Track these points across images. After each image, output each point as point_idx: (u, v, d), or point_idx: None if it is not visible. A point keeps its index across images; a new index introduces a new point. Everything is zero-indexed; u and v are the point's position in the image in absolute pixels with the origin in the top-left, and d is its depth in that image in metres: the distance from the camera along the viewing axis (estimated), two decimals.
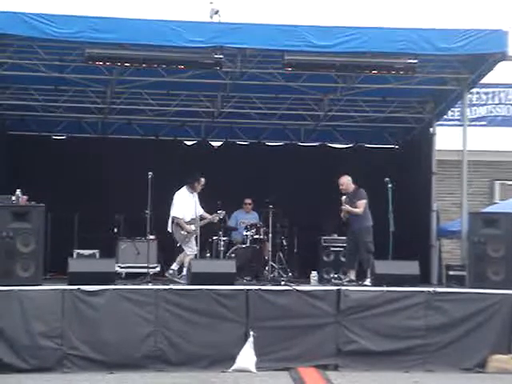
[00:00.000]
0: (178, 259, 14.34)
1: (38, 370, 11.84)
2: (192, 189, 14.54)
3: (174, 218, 14.35)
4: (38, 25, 13.07)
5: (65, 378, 11.70)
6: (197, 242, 14.53)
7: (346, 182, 14.50)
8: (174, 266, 14.27)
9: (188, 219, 14.40)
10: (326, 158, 17.91)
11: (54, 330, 12.02)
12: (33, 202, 12.83)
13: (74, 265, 13.01)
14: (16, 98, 16.17)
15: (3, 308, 11.92)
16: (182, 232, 14.33)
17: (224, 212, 14.85)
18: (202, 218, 14.66)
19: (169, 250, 14.90)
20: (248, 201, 16.57)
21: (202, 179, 14.63)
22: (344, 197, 14.37)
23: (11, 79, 15.34)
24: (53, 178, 16.68)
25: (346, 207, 14.24)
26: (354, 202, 14.28)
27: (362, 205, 14.24)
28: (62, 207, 15.79)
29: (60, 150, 17.38)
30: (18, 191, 12.82)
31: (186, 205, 14.42)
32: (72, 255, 15.45)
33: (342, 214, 14.39)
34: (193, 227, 14.38)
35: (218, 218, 14.81)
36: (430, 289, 13.27)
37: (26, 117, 17.16)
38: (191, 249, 14.42)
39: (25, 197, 12.85)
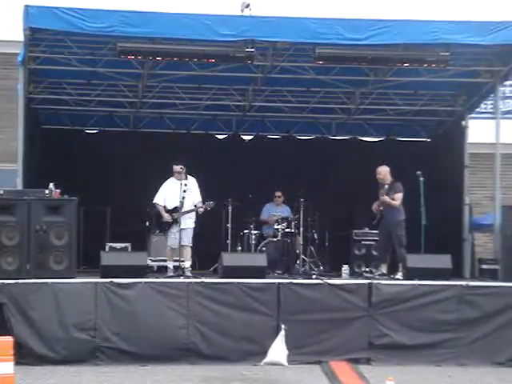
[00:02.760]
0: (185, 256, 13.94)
1: (70, 361, 11.94)
2: (174, 177, 14.09)
3: (154, 204, 14.09)
4: (70, 19, 13.19)
5: (98, 370, 11.79)
6: (189, 235, 13.94)
7: (384, 172, 14.31)
8: (187, 264, 13.84)
9: (170, 207, 14.01)
10: (358, 152, 17.83)
11: (87, 322, 12.13)
12: (66, 196, 12.93)
13: (107, 258, 13.12)
14: (49, 92, 16.29)
15: (37, 300, 12.05)
16: (163, 220, 14.03)
17: (212, 203, 14.10)
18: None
19: (201, 242, 14.89)
20: (278, 194, 16.54)
21: (174, 166, 13.99)
22: (386, 186, 14.20)
23: (44, 73, 15.47)
24: (85, 171, 16.77)
25: (385, 198, 14.13)
26: (390, 195, 14.15)
27: (399, 198, 14.10)
28: (95, 201, 15.91)
29: (92, 143, 17.49)
30: (51, 185, 12.92)
31: (168, 193, 14.05)
32: (104, 248, 15.55)
33: (374, 207, 14.30)
34: (174, 216, 13.86)
35: (202, 209, 13.97)
36: (463, 282, 13.23)
37: (59, 111, 17.28)
38: (170, 241, 14.02)
39: (58, 190, 12.94)
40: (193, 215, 14.10)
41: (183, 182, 13.96)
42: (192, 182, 14.15)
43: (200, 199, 14.14)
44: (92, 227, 16.11)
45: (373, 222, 14.63)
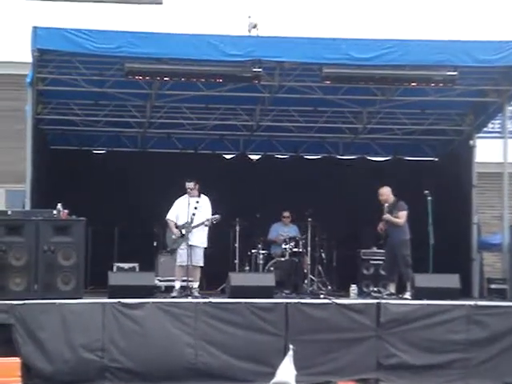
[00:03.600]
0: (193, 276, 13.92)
1: (78, 382, 11.91)
2: (187, 194, 14.11)
3: (167, 220, 14.15)
4: (78, 40, 13.25)
5: None
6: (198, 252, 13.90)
7: (386, 192, 14.39)
8: (196, 284, 13.82)
9: (180, 223, 14.02)
10: (365, 171, 17.81)
11: (94, 342, 12.11)
12: (74, 216, 12.95)
13: (114, 278, 13.13)
14: (57, 113, 16.32)
15: (45, 321, 12.03)
16: (173, 236, 14.07)
17: (218, 216, 13.98)
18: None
19: (208, 262, 14.87)
20: (286, 214, 16.54)
21: (186, 183, 14.05)
22: (386, 205, 14.26)
23: (52, 94, 15.52)
24: (93, 192, 16.78)
25: (388, 216, 14.14)
26: (394, 214, 14.18)
27: (403, 216, 14.13)
28: (102, 221, 15.91)
29: (100, 164, 17.54)
30: (59, 205, 12.95)
31: (179, 209, 14.09)
32: (112, 268, 15.53)
33: (379, 227, 14.31)
34: (182, 231, 13.87)
35: (209, 222, 13.91)
36: (471, 302, 13.17)
37: (66, 131, 17.33)
38: (179, 258, 13.98)
39: (66, 211, 12.96)
40: (204, 233, 14.02)
41: (195, 199, 13.97)
42: (204, 200, 14.12)
43: (208, 217, 14.04)
44: (100, 247, 16.14)
45: (379, 241, 14.63)
